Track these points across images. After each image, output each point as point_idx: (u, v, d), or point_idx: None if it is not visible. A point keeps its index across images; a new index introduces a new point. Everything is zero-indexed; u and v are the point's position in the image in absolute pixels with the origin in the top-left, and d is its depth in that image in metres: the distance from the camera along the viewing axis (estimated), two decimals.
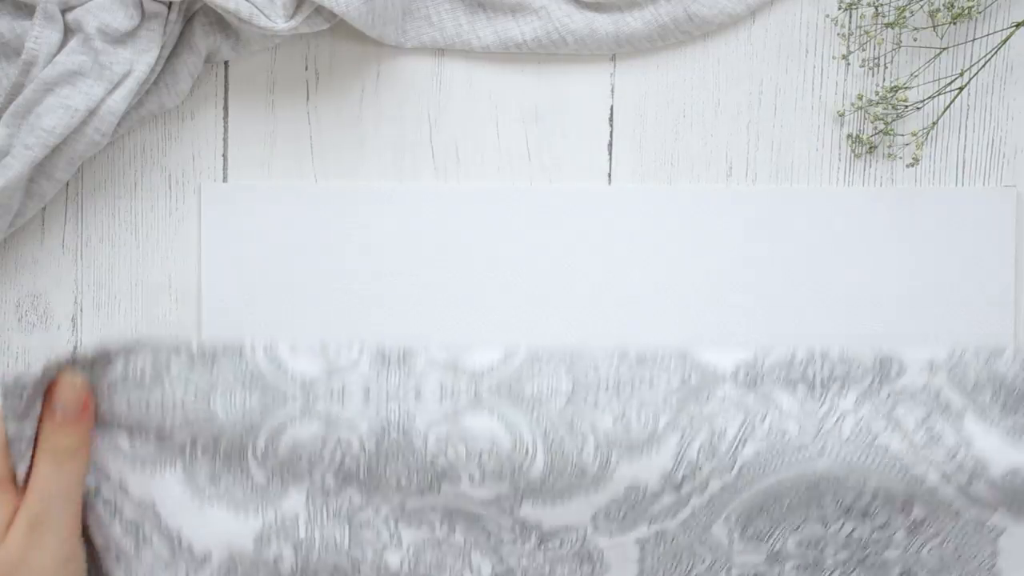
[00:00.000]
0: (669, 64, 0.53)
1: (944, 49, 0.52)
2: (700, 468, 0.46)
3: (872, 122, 0.52)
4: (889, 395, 0.47)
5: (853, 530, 0.48)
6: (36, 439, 0.43)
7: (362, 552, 0.47)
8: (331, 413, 0.46)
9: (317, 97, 0.52)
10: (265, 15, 0.48)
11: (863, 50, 0.52)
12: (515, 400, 0.46)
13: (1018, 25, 0.51)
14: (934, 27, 0.52)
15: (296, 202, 0.52)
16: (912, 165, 0.52)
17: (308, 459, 0.46)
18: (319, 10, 0.48)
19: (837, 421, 0.47)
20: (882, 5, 0.52)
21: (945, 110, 0.52)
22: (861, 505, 0.47)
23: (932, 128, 0.52)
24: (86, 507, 0.46)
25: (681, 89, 0.53)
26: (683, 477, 0.46)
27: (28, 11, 0.48)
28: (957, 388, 0.47)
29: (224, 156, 0.52)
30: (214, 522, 0.46)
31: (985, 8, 0.52)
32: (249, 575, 0.46)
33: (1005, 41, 0.51)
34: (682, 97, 0.53)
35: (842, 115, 0.52)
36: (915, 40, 0.52)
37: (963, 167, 0.53)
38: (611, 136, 0.53)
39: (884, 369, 0.47)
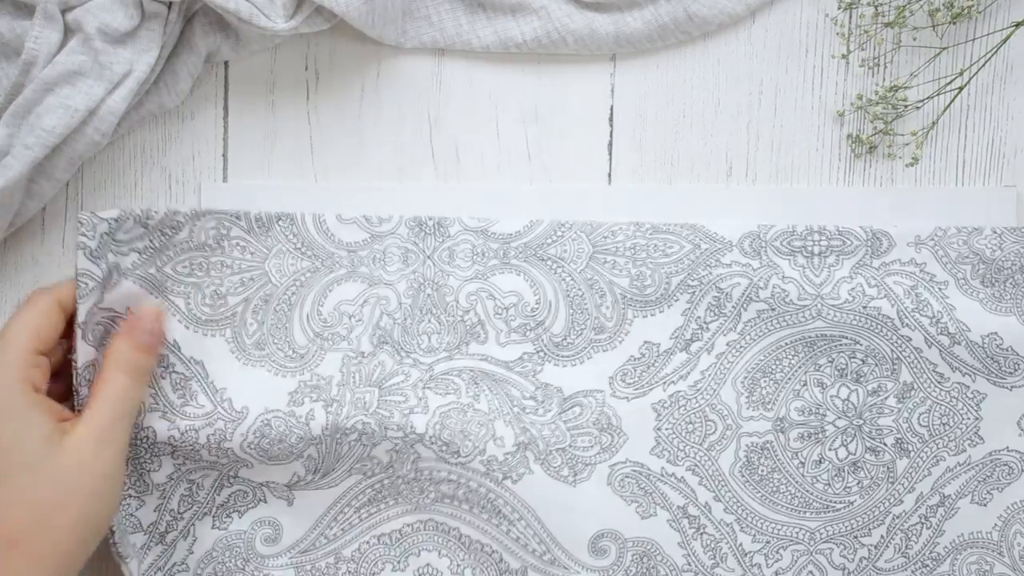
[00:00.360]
0: (669, 64, 0.53)
1: (944, 49, 0.52)
2: (707, 326, 0.51)
3: (872, 122, 0.52)
4: (880, 266, 0.51)
5: (849, 395, 0.51)
6: (105, 354, 0.46)
7: (390, 414, 0.49)
8: (373, 274, 0.50)
9: (317, 97, 0.52)
10: (265, 15, 0.48)
11: (863, 50, 0.52)
12: (540, 261, 0.50)
13: (1018, 25, 0.51)
14: (934, 27, 0.52)
15: (296, 202, 0.52)
16: (912, 165, 0.52)
17: (349, 320, 0.50)
18: (319, 10, 0.48)
19: (833, 287, 0.51)
20: (882, 5, 0.52)
21: (945, 110, 0.52)
22: (854, 367, 0.51)
23: (932, 128, 0.52)
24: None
25: (681, 89, 0.53)
26: (692, 334, 0.51)
27: (28, 11, 0.48)
28: (940, 262, 0.51)
29: (224, 156, 0.52)
30: (254, 382, 0.49)
31: (985, 8, 0.52)
32: (282, 433, 0.49)
33: (1005, 40, 0.51)
34: (682, 97, 0.53)
35: (842, 115, 0.52)
36: (915, 40, 0.52)
37: (963, 167, 0.53)
38: (611, 136, 0.53)
39: (875, 243, 0.51)
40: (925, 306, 0.50)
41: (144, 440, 0.48)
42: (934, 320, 0.50)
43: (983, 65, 0.52)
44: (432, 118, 0.52)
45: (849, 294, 0.50)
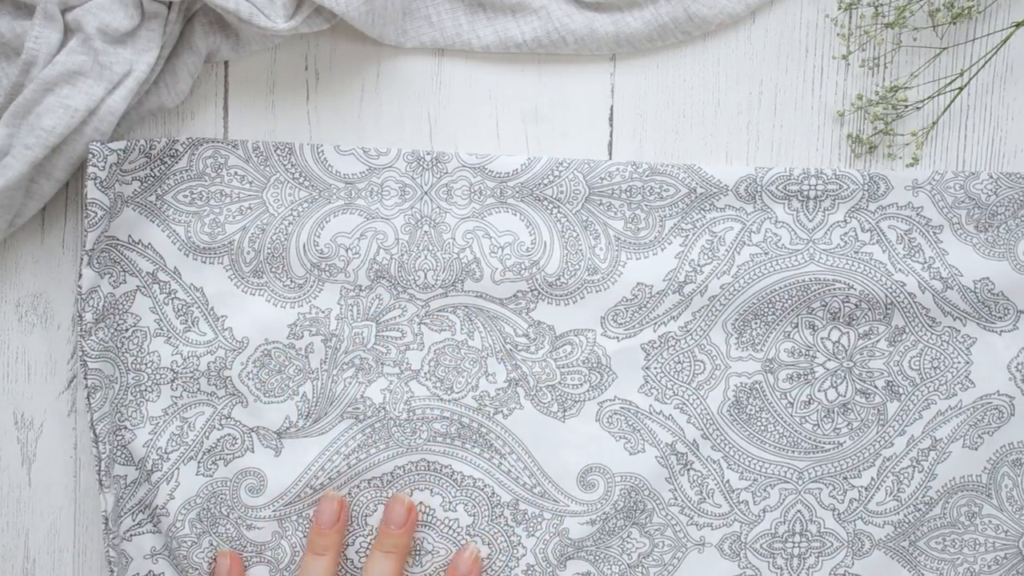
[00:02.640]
0: (669, 64, 0.53)
1: (944, 49, 0.52)
2: (701, 269, 0.51)
3: (872, 122, 0.52)
4: (876, 210, 0.51)
5: (840, 338, 0.51)
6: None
7: (387, 350, 0.51)
8: (370, 207, 0.50)
9: (317, 97, 0.52)
10: (265, 15, 0.48)
11: (863, 50, 0.52)
12: (536, 201, 0.51)
13: (1018, 25, 0.51)
14: (934, 27, 0.52)
15: None
16: (912, 165, 0.52)
17: (345, 252, 0.50)
18: (319, 10, 0.48)
19: (827, 231, 0.51)
20: (882, 5, 0.52)
21: (945, 110, 0.52)
22: (847, 311, 0.51)
23: (932, 128, 0.52)
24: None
25: (681, 89, 0.53)
26: (686, 276, 0.51)
27: (28, 11, 0.48)
28: (936, 206, 0.51)
29: None
30: (254, 311, 0.50)
31: (985, 8, 0.52)
32: (281, 363, 0.50)
33: (1005, 41, 0.51)
34: (682, 97, 0.53)
35: (842, 115, 0.52)
36: (915, 40, 0.52)
37: (963, 167, 0.53)
38: (611, 136, 0.53)
39: (873, 186, 0.51)
40: (917, 251, 0.51)
41: (149, 364, 0.50)
42: (926, 265, 0.51)
43: (983, 65, 0.52)
44: (432, 118, 0.52)
45: (842, 239, 0.51)
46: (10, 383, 0.52)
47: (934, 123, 0.52)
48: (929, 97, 0.52)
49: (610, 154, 0.53)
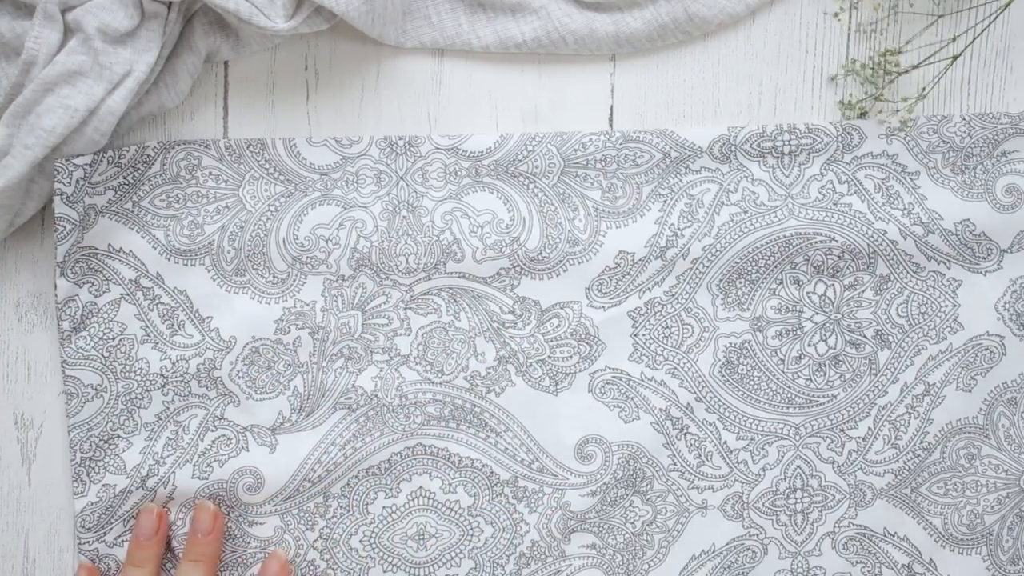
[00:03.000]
0: (669, 64, 0.53)
1: (940, 16, 0.52)
2: (681, 232, 0.51)
3: (863, 84, 0.52)
4: (852, 160, 0.51)
5: (826, 291, 0.51)
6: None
7: (374, 338, 0.51)
8: (347, 197, 0.50)
9: (317, 97, 0.52)
10: (265, 15, 0.48)
11: (860, 23, 0.52)
12: (512, 177, 0.51)
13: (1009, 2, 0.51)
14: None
15: None
16: (901, 130, 0.52)
17: (326, 243, 0.50)
18: (319, 10, 0.48)
19: (804, 186, 0.51)
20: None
21: (938, 78, 0.52)
22: (830, 263, 0.51)
23: (923, 97, 0.52)
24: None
25: (681, 89, 0.53)
26: (667, 241, 0.51)
27: (28, 11, 0.48)
28: (911, 152, 0.51)
29: None
30: (239, 310, 0.50)
31: None
32: (270, 360, 0.50)
33: (1005, 6, 0.51)
34: (682, 97, 0.53)
35: (834, 80, 0.52)
36: (911, 6, 0.52)
37: None
38: None
39: (847, 137, 0.51)
40: (896, 199, 0.51)
41: (139, 372, 0.50)
42: (906, 212, 0.51)
43: (980, 33, 0.52)
44: (432, 118, 0.52)
45: (819, 192, 0.51)
46: (10, 383, 0.52)
47: (924, 89, 0.52)
48: (922, 62, 0.51)
49: None
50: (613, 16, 0.51)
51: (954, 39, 0.51)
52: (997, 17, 0.51)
